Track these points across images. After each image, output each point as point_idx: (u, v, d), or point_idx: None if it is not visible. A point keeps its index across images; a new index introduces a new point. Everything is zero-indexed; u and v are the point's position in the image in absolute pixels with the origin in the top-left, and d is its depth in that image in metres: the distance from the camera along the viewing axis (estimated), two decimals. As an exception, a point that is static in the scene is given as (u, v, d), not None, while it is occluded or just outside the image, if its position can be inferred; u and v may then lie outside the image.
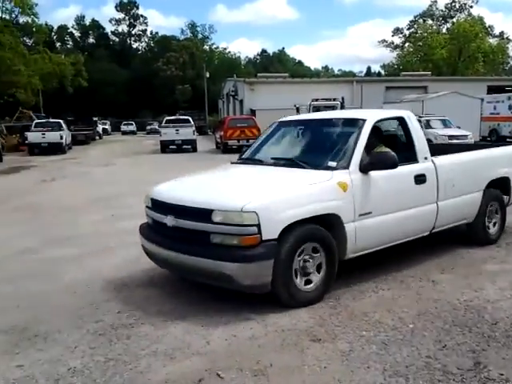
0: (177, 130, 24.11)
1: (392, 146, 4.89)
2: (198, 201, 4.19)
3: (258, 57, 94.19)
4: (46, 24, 47.29)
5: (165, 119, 26.80)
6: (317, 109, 21.42)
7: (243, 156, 5.77)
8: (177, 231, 4.27)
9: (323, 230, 4.27)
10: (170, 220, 4.30)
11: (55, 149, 24.62)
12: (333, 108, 21.38)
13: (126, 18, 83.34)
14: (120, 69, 72.25)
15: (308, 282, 4.23)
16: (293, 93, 28.86)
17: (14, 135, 28.12)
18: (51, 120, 28.29)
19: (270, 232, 3.93)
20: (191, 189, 4.71)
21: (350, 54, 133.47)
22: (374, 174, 4.60)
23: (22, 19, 41.14)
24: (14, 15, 40.66)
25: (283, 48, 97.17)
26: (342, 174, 4.43)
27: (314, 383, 3.03)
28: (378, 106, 26.35)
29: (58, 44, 72.69)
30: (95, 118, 42.13)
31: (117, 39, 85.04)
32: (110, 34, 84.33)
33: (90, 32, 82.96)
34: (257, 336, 3.67)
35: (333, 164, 4.54)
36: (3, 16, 39.57)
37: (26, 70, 33.17)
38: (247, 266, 3.87)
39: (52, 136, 24.99)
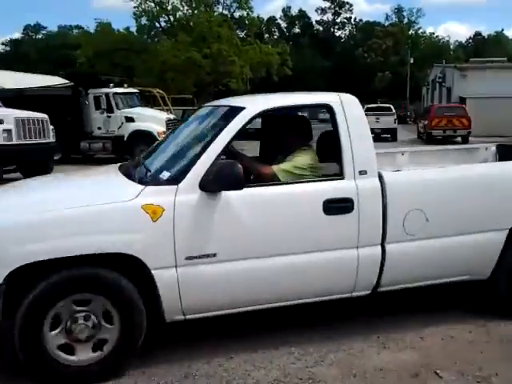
0: (377, 119, 23.67)
1: (325, 152, 3.56)
2: None
3: (470, 40, 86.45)
4: (258, 17, 50.57)
5: (365, 107, 26.50)
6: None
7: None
8: None
9: (118, 277, 2.86)
10: None
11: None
12: None
13: (332, 6, 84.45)
14: (321, 57, 73.67)
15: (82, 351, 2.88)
16: (513, 79, 25.82)
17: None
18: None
19: None
20: None
21: None
22: (230, 194, 3.00)
23: (237, 13, 44.98)
24: (231, 10, 44.70)
25: (502, 30, 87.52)
26: (158, 193, 2.94)
27: (551, 405, 2.69)
28: None
29: (265, 35, 77.31)
30: (296, 106, 43.88)
31: (321, 28, 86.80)
32: (314, 23, 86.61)
33: (296, 22, 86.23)
34: (477, 341, 3.42)
35: (165, 175, 3.10)
36: (223, 11, 43.77)
37: (238, 60, 36.11)
38: None
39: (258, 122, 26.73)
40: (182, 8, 39.71)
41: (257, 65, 40.88)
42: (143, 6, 39.03)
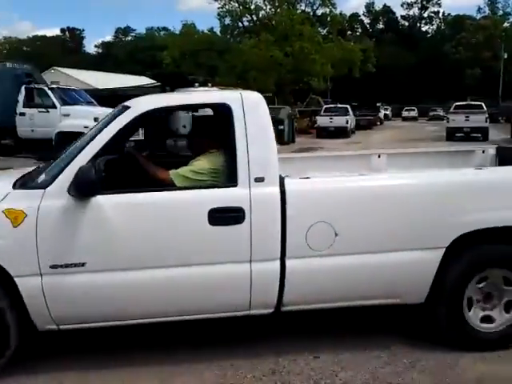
0: (466, 117, 22.44)
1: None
2: None
3: None
4: (341, 13, 49.76)
5: (454, 105, 25.29)
6: None
7: None
8: None
9: None
10: None
11: (340, 133, 26.11)
12: None
13: (419, 0, 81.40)
14: (406, 54, 71.28)
15: None
16: None
17: (303, 119, 30.88)
18: (339, 105, 29.92)
19: None
20: None
21: None
22: (101, 200, 2.80)
23: (319, 11, 44.64)
24: (314, 7, 44.49)
25: None
26: (23, 198, 2.82)
27: None
28: None
29: (348, 32, 76.04)
30: (378, 104, 42.83)
31: (406, 23, 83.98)
32: (399, 18, 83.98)
33: (380, 18, 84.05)
34: None
35: (39, 179, 2.95)
36: (305, 9, 43.65)
37: (320, 58, 35.80)
38: None
39: (338, 120, 26.70)
40: (264, 7, 40.11)
41: (339, 62, 40.28)
42: (227, 7, 39.90)
